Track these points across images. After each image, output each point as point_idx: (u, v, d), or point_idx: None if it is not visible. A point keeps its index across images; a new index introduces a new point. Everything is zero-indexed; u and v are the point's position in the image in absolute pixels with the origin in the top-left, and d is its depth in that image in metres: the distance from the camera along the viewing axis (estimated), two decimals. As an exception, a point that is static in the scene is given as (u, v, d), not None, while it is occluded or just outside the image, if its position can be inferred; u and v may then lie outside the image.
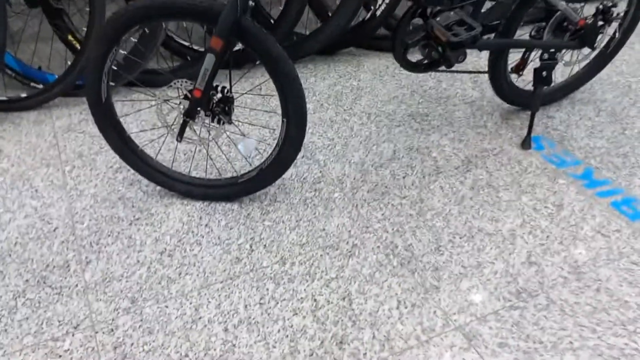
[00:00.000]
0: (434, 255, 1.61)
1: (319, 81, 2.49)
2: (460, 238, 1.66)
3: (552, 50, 1.96)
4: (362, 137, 2.12)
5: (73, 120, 2.27)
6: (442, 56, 1.83)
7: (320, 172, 1.95)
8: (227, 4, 1.45)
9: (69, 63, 2.30)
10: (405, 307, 1.46)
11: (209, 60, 1.49)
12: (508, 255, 1.60)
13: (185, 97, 1.62)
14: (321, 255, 1.61)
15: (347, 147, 2.07)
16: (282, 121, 1.62)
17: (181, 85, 1.59)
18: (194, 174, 1.92)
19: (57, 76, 2.34)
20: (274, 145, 1.69)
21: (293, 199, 1.83)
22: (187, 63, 2.49)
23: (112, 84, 1.66)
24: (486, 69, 2.08)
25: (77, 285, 1.54)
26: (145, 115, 2.27)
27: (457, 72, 2.07)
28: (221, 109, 1.59)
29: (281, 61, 1.52)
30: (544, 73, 1.99)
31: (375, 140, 2.10)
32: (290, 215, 1.76)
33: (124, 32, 1.54)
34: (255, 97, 2.38)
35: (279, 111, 1.61)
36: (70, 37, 2.41)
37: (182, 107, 1.63)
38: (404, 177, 1.91)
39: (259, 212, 1.78)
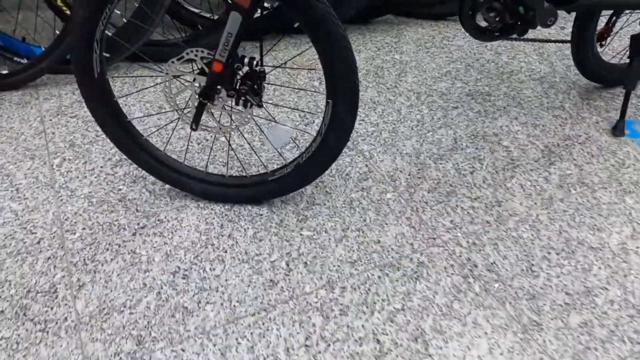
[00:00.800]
0: (526, 277, 1.24)
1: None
2: (557, 254, 1.30)
3: (657, 12, 1.57)
4: (413, 121, 1.75)
5: (64, 102, 1.90)
6: (524, 17, 1.45)
7: (367, 165, 1.57)
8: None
9: (58, 33, 1.92)
10: (501, 353, 1.09)
11: (234, 20, 1.12)
12: (623, 278, 1.24)
13: (201, 72, 1.24)
14: (379, 277, 1.25)
15: (395, 135, 1.69)
16: (327, 103, 1.25)
17: (196, 56, 1.22)
18: (211, 169, 1.56)
19: (44, 48, 1.96)
20: (316, 133, 1.31)
21: (336, 201, 1.46)
22: (200, 32, 2.10)
23: (106, 55, 1.29)
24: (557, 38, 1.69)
25: (66, 319, 1.19)
26: (151, 96, 1.89)
27: (535, 41, 1.68)
28: (249, 88, 1.21)
29: (327, 22, 1.15)
30: (644, 41, 1.61)
31: (430, 126, 1.72)
32: (334, 223, 1.40)
33: (120, -14, 1.16)
34: (284, 73, 2.00)
35: (321, 89, 1.24)
36: (59, 2, 2.03)
37: (197, 85, 1.26)
38: (471, 173, 1.54)
39: (294, 218, 1.41)
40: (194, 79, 1.26)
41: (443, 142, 1.65)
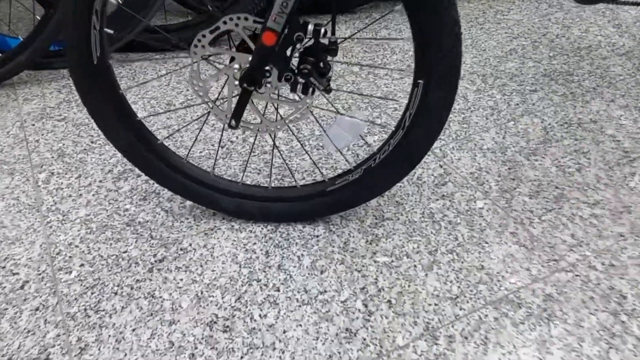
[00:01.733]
0: (699, 311, 0.91)
1: (394, 34, 1.76)
2: None
3: None
4: (486, 109, 1.42)
5: (48, 103, 1.54)
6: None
7: (441, 166, 1.24)
8: None
9: (39, 18, 1.57)
10: None
11: (300, -34, 0.77)
12: None
13: (242, 48, 0.89)
14: (496, 320, 0.91)
15: (468, 126, 1.36)
16: (416, 85, 0.91)
17: (237, 25, 0.87)
18: (246, 179, 1.21)
19: (21, 39, 1.60)
20: (395, 126, 0.97)
21: (412, 214, 1.12)
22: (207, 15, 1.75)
23: (109, 31, 0.94)
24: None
25: (65, 401, 0.84)
26: (156, 92, 1.55)
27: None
28: (312, 67, 0.87)
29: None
30: None
31: (509, 114, 1.39)
32: (416, 244, 1.06)
33: None
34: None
35: (406, 67, 0.90)
36: (38, -18, 1.67)
37: (236, 67, 0.91)
38: (578, 170, 1.21)
39: (362, 239, 1.07)
40: (232, 59, 0.91)
41: (530, 133, 1.32)
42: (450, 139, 1.32)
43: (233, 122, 0.94)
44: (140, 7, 1.49)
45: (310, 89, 0.89)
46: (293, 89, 0.90)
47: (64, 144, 1.38)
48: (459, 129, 1.35)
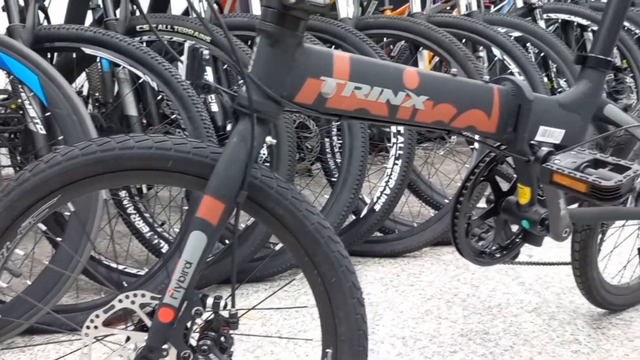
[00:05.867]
0: None
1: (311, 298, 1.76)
2: None
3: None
4: (409, 374, 1.37)
5: None
6: (529, 232, 1.24)
7: None
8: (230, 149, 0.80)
9: None
10: None
11: (197, 242, 0.78)
12: None
13: (140, 327, 0.85)
14: None
15: (392, 395, 1.29)
16: (325, 355, 0.87)
17: (133, 302, 0.84)
18: None
19: None
20: (308, 404, 0.90)
21: None
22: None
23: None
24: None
25: None
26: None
27: (531, 264, 1.47)
28: (213, 342, 0.82)
29: (325, 241, 0.85)
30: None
31: (432, 379, 1.35)
32: None
33: (27, 211, 0.82)
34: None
35: (314, 335, 0.88)
36: None
37: (131, 347, 0.85)
38: None
39: None
40: (128, 338, 0.86)
41: (456, 399, 1.26)
42: (374, 410, 1.23)
43: (124, 412, 0.84)
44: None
45: (212, 368, 0.83)
46: (193, 368, 0.84)
47: None
48: (382, 399, 1.27)
